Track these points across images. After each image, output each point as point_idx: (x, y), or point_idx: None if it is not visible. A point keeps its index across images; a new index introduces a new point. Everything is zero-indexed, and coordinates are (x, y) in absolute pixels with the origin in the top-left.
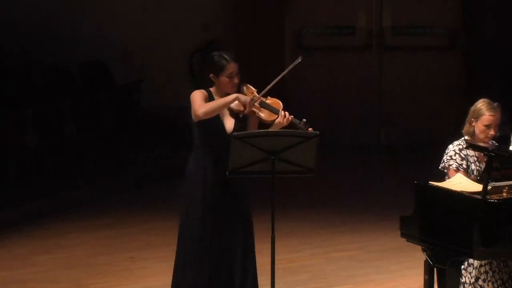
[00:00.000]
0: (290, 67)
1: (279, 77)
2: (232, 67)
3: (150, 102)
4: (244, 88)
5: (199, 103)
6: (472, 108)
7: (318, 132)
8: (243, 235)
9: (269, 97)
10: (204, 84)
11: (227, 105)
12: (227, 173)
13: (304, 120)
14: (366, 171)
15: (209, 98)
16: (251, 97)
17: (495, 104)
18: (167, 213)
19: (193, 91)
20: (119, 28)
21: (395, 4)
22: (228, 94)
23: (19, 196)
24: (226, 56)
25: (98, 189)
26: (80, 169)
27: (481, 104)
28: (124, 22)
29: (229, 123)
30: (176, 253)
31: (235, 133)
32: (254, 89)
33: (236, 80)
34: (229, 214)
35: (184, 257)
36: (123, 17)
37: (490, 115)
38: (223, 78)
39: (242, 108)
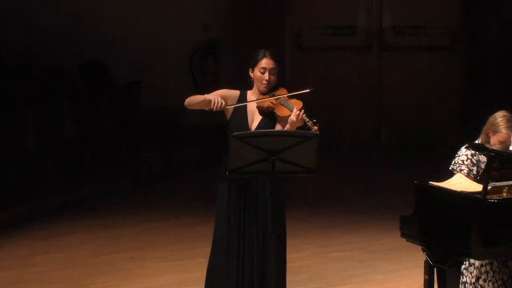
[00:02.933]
0: (298, 93)
1: (288, 94)
2: (266, 62)
3: (150, 102)
4: (278, 88)
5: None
6: (491, 119)
7: (318, 132)
8: (268, 249)
9: (294, 99)
10: (245, 85)
11: (200, 102)
12: (227, 173)
13: (315, 120)
14: (366, 171)
15: (240, 98)
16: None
17: None
18: (167, 213)
19: (193, 91)
20: (119, 28)
21: (395, 4)
22: (263, 94)
23: (19, 196)
24: (266, 52)
25: (98, 189)
26: (80, 169)
27: (500, 120)
28: (124, 23)
29: (256, 121)
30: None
31: (235, 133)
32: (286, 91)
33: (267, 77)
34: (254, 222)
35: (211, 265)
36: (123, 17)
37: (506, 133)
38: (256, 72)
39: (265, 105)
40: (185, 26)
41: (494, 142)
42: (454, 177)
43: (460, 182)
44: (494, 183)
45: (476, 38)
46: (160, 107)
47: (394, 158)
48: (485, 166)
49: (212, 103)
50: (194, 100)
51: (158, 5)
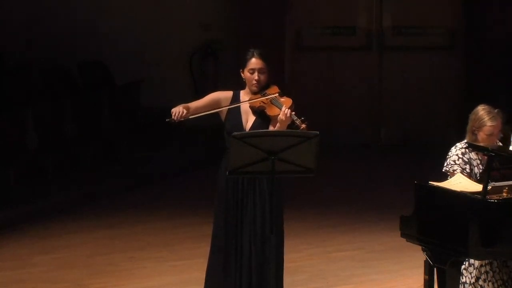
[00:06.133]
0: (271, 95)
1: (254, 100)
2: (254, 62)
3: (150, 102)
4: (270, 87)
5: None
6: (473, 116)
7: (318, 132)
8: (267, 247)
9: (284, 97)
10: (240, 85)
11: None
12: (227, 173)
13: (303, 118)
14: (366, 170)
15: (234, 99)
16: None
17: (495, 111)
18: (167, 213)
19: (193, 91)
20: (119, 28)
21: (395, 4)
22: (255, 93)
23: (19, 196)
24: (254, 52)
25: (98, 189)
26: (80, 169)
27: (481, 114)
28: (124, 22)
29: (250, 121)
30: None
31: (235, 133)
32: (277, 89)
33: (256, 77)
34: (252, 221)
35: (210, 265)
36: (123, 17)
37: (491, 125)
38: (246, 73)
39: (257, 104)
40: (185, 26)
41: (482, 137)
42: (454, 177)
43: (460, 182)
44: (494, 183)
45: (476, 38)
46: (160, 107)
47: (394, 158)
48: (485, 166)
49: (173, 113)
50: None
51: (158, 5)
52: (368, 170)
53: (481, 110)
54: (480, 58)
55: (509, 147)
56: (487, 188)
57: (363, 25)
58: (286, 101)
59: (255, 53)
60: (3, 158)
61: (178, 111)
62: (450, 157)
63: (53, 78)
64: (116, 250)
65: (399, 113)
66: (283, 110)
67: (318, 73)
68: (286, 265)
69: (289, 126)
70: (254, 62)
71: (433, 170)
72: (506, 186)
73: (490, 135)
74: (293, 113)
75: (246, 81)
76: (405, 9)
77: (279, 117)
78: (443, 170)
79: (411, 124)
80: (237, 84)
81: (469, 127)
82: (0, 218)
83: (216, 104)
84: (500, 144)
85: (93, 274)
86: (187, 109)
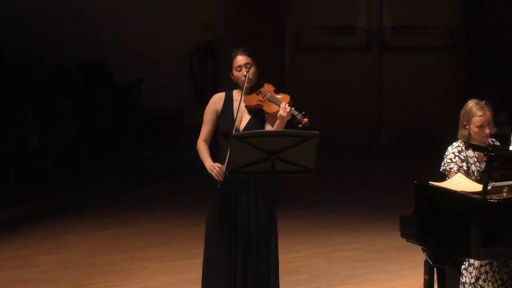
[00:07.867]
0: (267, 93)
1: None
2: (240, 59)
3: (150, 102)
4: (264, 85)
5: (202, 129)
6: (462, 111)
7: (318, 132)
8: (261, 249)
9: (281, 93)
10: (232, 85)
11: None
12: (227, 173)
13: (303, 113)
14: (366, 171)
15: (226, 99)
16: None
17: (483, 102)
18: (167, 213)
19: (193, 91)
20: (119, 28)
21: (395, 4)
22: (249, 92)
23: (19, 196)
24: (238, 50)
25: (98, 189)
26: (80, 169)
27: (469, 106)
28: (124, 22)
29: (244, 121)
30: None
31: (235, 133)
32: (272, 87)
33: (244, 72)
34: (246, 221)
35: (205, 264)
36: (123, 17)
37: (480, 115)
38: (235, 72)
39: (254, 103)
40: (185, 26)
41: (474, 131)
42: (454, 177)
43: (460, 182)
44: (494, 183)
45: (476, 38)
46: (160, 107)
47: (394, 158)
48: (485, 166)
49: (215, 177)
50: (200, 154)
51: (158, 5)
52: (368, 170)
53: (470, 103)
54: (480, 58)
55: (509, 147)
56: (487, 188)
57: (363, 25)
58: (284, 97)
59: (239, 51)
60: (3, 158)
61: (217, 171)
62: (446, 156)
63: (53, 78)
64: (116, 250)
65: (399, 113)
66: (283, 106)
67: (318, 73)
68: (286, 265)
69: (290, 122)
70: (240, 59)
71: (433, 170)
72: (506, 186)
73: (480, 126)
74: (293, 108)
75: (237, 81)
76: (405, 9)
77: (279, 113)
78: (441, 170)
79: (411, 124)
80: (237, 84)
81: (460, 123)
82: (0, 218)
83: (217, 114)
84: (496, 142)
85: (93, 274)
86: (206, 147)
